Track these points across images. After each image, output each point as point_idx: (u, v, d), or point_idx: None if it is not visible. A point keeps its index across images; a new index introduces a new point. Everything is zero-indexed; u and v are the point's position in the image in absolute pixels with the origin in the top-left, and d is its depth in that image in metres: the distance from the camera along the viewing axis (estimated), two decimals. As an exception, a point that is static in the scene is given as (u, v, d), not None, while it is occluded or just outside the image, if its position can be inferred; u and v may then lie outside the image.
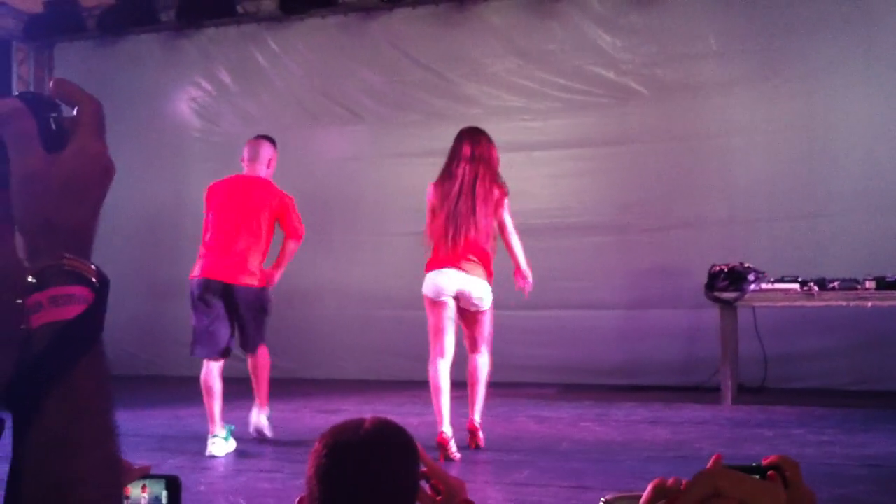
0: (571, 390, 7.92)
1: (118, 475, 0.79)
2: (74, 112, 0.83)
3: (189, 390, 6.50)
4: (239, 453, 5.66)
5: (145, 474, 1.51)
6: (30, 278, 0.78)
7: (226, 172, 9.25)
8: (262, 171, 6.15)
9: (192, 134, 9.84)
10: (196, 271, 5.88)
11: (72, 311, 0.77)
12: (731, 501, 0.45)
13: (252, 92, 9.63)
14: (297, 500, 1.74)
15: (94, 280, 0.80)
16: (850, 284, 6.84)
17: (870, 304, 6.76)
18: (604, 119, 8.49)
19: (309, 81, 9.45)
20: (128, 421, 6.25)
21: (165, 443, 5.93)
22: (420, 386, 8.12)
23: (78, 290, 0.78)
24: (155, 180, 9.75)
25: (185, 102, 9.87)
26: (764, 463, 1.36)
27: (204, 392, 5.72)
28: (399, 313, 8.81)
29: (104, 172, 0.83)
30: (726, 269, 7.12)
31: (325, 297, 9.16)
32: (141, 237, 9.74)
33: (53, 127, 0.81)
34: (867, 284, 6.77)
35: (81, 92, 0.83)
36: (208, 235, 5.98)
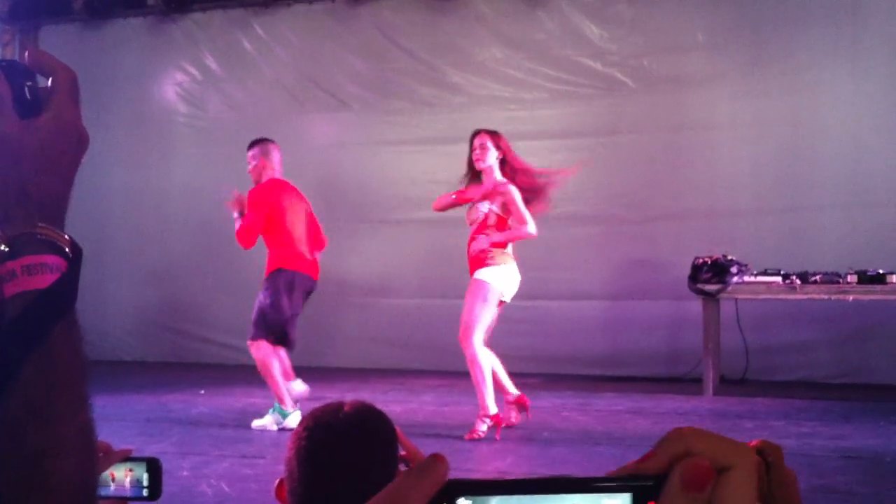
0: (554, 380, 7.94)
1: (93, 444, 0.79)
2: (49, 82, 0.83)
3: (173, 376, 6.49)
4: (222, 439, 5.66)
5: (126, 457, 1.52)
6: (2, 246, 0.78)
7: (211, 158, 9.32)
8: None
9: (178, 119, 9.80)
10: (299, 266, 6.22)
11: (46, 280, 0.77)
12: (703, 460, 0.45)
13: (238, 77, 9.59)
14: (276, 482, 1.75)
15: (67, 249, 0.80)
16: (832, 278, 6.88)
17: (851, 297, 6.80)
18: (590, 110, 8.50)
19: (295, 67, 9.42)
20: (113, 406, 6.28)
21: (148, 427, 5.93)
22: (404, 374, 8.16)
23: (52, 259, 0.78)
24: (141, 165, 9.70)
25: (171, 87, 9.82)
26: (748, 447, 1.38)
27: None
28: (381, 301, 8.83)
29: (79, 141, 0.83)
30: (709, 262, 7.15)
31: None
32: (126, 222, 9.70)
33: (28, 95, 0.81)
34: (849, 278, 6.82)
35: (56, 61, 0.83)
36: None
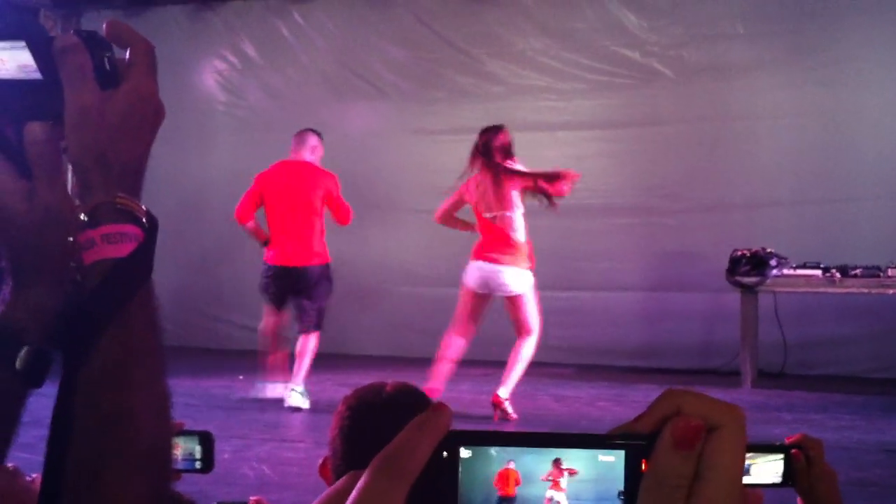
0: (590, 371, 7.93)
1: (169, 411, 0.81)
2: (127, 54, 0.84)
3: (212, 362, 6.57)
4: (262, 424, 5.73)
5: (178, 431, 1.54)
6: (82, 216, 0.79)
7: (250, 145, 9.37)
8: (307, 156, 6.66)
9: (217, 107, 9.88)
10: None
11: (124, 249, 0.79)
12: (694, 419, 0.46)
13: (277, 66, 9.64)
14: (320, 461, 1.78)
15: (144, 220, 0.82)
16: (872, 272, 6.81)
17: (892, 291, 6.73)
18: (628, 100, 8.45)
19: (334, 56, 9.45)
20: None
21: (189, 411, 6.00)
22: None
23: (129, 229, 0.80)
24: (180, 153, 9.77)
25: (211, 75, 9.90)
26: (787, 441, 1.37)
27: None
28: (418, 290, 8.86)
29: (155, 112, 0.84)
30: (748, 254, 7.10)
31: (346, 272, 9.16)
32: (165, 208, 9.72)
33: (108, 66, 0.82)
34: (889, 272, 6.75)
35: (135, 33, 0.84)
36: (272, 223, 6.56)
